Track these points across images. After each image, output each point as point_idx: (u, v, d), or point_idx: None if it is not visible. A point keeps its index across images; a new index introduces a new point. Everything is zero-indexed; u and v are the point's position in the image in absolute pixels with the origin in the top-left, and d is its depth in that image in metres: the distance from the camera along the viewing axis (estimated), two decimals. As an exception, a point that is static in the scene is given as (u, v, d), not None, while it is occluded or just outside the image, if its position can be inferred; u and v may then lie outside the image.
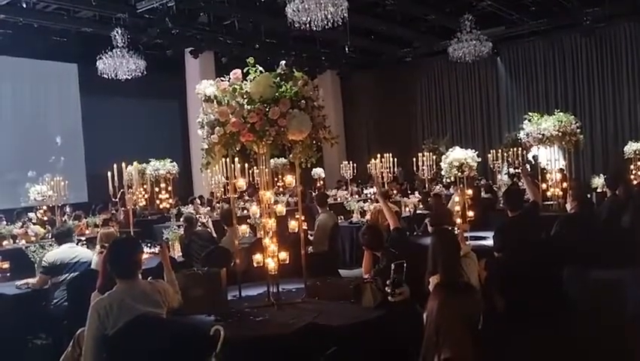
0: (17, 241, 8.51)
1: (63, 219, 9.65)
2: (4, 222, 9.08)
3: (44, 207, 9.89)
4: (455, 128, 18.08)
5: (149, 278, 3.72)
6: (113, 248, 3.63)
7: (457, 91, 17.96)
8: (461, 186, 6.95)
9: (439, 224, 5.31)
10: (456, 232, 5.50)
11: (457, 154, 6.85)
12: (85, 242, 6.65)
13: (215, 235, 7.16)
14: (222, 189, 10.93)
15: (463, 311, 3.03)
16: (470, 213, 6.75)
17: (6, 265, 6.77)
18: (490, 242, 5.78)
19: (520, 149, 12.76)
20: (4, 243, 8.41)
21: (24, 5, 11.10)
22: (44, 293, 5.33)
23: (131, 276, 3.42)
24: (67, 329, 4.23)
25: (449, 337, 2.92)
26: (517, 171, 12.63)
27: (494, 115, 17.43)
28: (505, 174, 13.36)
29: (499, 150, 13.66)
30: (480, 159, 7.29)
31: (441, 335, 2.95)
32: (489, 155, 13.45)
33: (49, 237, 7.57)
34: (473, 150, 7.13)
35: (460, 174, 6.84)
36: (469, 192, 7.05)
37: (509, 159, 13.62)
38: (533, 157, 11.12)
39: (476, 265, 4.20)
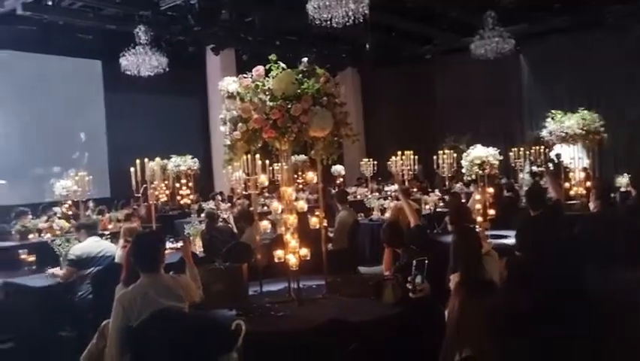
0: (42, 234, 8.67)
1: (87, 213, 9.80)
2: (30, 216, 9.23)
3: (69, 202, 10.04)
4: (476, 126, 17.91)
5: (170, 273, 3.77)
6: (136, 242, 3.66)
7: (479, 88, 17.77)
8: (482, 184, 6.91)
9: (459, 222, 5.29)
10: (477, 230, 5.48)
11: (479, 152, 6.80)
12: (109, 236, 6.77)
13: (236, 230, 7.23)
14: (243, 186, 10.99)
15: (485, 310, 3.03)
16: (491, 212, 6.71)
17: (32, 258, 6.92)
18: (511, 241, 5.74)
19: (542, 147, 12.62)
20: (30, 236, 8.58)
21: (49, 3, 11.25)
22: (70, 286, 5.43)
23: (154, 270, 3.47)
24: (92, 322, 4.31)
25: (470, 335, 2.92)
26: (539, 169, 12.50)
27: (516, 113, 17.25)
28: (527, 172, 13.23)
29: (521, 149, 13.53)
30: (502, 157, 7.23)
31: (462, 333, 2.95)
32: (510, 153, 13.32)
33: (74, 231, 7.69)
34: (495, 148, 7.09)
35: (481, 172, 6.80)
36: (490, 190, 7.01)
37: (531, 158, 13.47)
38: (556, 155, 10.99)
39: (497, 264, 4.18)
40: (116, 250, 5.58)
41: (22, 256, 6.99)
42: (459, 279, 3.35)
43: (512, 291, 4.13)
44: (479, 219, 6.54)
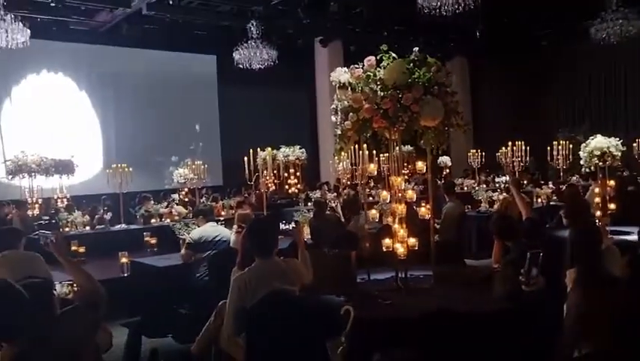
0: (163, 219, 9.29)
1: (201, 200, 10.36)
2: (152, 202, 9.91)
3: (185, 189, 10.66)
4: (595, 116, 16.83)
5: (281, 258, 3.91)
6: (253, 228, 3.77)
7: (599, 75, 16.69)
8: (602, 176, 6.53)
9: (575, 216, 5.03)
10: (598, 225, 5.20)
11: (599, 142, 6.43)
12: (223, 222, 7.13)
13: (343, 219, 7.34)
14: (349, 176, 11.08)
15: (605, 305, 2.90)
16: (612, 206, 6.33)
17: (154, 241, 7.48)
18: (634, 237, 5.38)
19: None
20: (152, 221, 9.23)
21: (170, 2, 11.97)
22: (189, 267, 5.79)
23: (269, 254, 3.61)
24: (208, 301, 4.55)
25: (591, 331, 2.81)
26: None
27: (640, 101, 16.03)
28: (653, 164, 12.28)
29: (646, 139, 12.55)
30: (624, 148, 6.79)
31: (582, 329, 2.84)
32: (634, 144, 12.40)
33: (191, 216, 8.17)
34: (616, 139, 6.67)
35: (601, 163, 6.43)
36: (611, 183, 6.61)
37: (657, 149, 12.47)
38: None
39: (618, 260, 3.95)
40: (230, 235, 5.87)
41: (146, 239, 7.59)
42: (577, 275, 3.22)
43: (635, 290, 3.89)
44: (598, 213, 6.19)
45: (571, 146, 11.96)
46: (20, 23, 9.27)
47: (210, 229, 5.89)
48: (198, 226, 6.08)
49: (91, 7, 12.23)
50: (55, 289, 4.32)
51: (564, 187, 9.60)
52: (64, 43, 13.39)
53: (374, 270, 4.47)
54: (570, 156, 11.81)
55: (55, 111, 13.53)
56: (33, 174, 9.44)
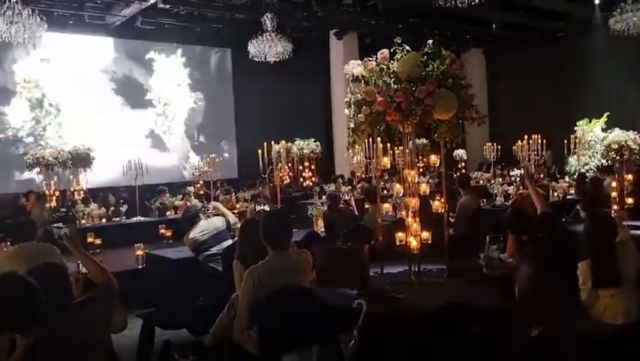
0: (178, 212, 9.33)
1: (217, 193, 10.40)
2: (168, 195, 9.96)
3: (200, 182, 10.71)
4: (613, 109, 16.56)
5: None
6: (268, 221, 3.68)
7: (617, 68, 16.43)
8: (618, 167, 6.47)
9: (592, 206, 4.98)
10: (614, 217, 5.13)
11: (617, 136, 6.36)
12: (237, 215, 7.14)
13: (357, 212, 7.33)
14: (363, 169, 11.06)
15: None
16: (629, 201, 6.26)
17: (169, 233, 7.52)
18: (652, 232, 5.31)
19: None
20: (168, 213, 9.28)
21: (185, -6, 12.02)
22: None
23: (284, 248, 3.60)
24: (222, 294, 4.56)
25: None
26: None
27: (661, 94, 15.75)
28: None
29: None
30: (643, 142, 6.71)
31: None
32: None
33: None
34: (635, 132, 6.59)
35: (618, 157, 6.36)
36: (629, 177, 6.53)
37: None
38: None
39: (633, 255, 3.89)
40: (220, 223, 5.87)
41: (161, 231, 7.64)
42: (589, 266, 3.18)
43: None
44: (615, 207, 6.12)
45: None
46: (37, 17, 9.35)
47: (204, 226, 5.88)
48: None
49: (107, 1, 12.29)
50: (82, 271, 4.41)
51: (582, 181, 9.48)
52: (80, 36, 13.48)
53: (387, 263, 4.46)
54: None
55: (72, 104, 13.64)
56: (51, 166, 9.55)
